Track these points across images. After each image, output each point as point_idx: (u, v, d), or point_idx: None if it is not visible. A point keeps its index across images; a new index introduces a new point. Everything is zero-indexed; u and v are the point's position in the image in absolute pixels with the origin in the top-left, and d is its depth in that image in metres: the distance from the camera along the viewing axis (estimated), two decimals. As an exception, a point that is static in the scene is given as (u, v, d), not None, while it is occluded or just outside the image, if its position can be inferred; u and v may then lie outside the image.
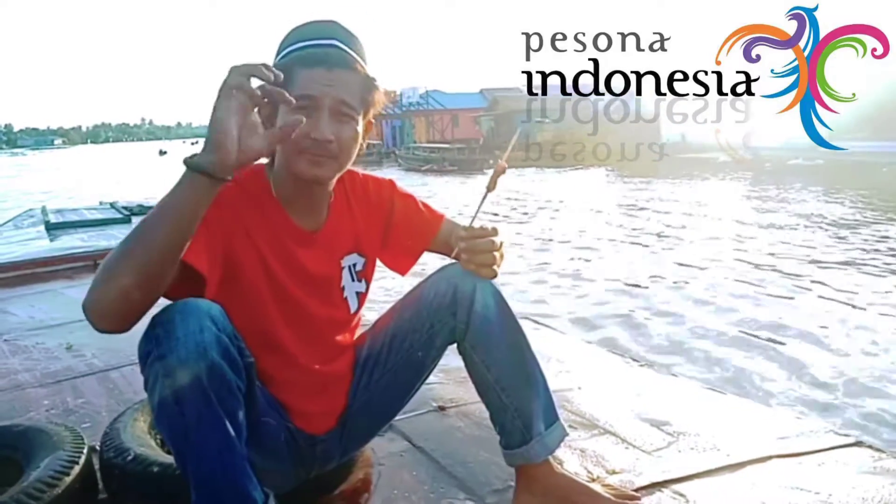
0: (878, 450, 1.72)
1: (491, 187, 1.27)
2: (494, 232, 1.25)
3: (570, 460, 1.60)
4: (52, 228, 6.09)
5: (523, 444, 1.36)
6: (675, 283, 7.87)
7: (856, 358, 5.21)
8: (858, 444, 1.74)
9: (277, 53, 1.26)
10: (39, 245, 5.26)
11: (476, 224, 1.28)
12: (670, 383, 2.25)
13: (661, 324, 6.31)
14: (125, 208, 7.21)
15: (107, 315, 1.00)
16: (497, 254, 1.29)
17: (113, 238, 5.42)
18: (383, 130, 50.44)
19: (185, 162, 0.99)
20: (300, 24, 1.28)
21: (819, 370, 4.94)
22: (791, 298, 6.96)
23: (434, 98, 49.51)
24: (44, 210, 7.64)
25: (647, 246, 10.51)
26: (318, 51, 1.22)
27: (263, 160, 1.30)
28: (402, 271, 1.47)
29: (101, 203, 8.35)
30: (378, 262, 1.45)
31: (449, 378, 2.11)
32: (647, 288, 7.70)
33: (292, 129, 1.05)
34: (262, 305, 1.26)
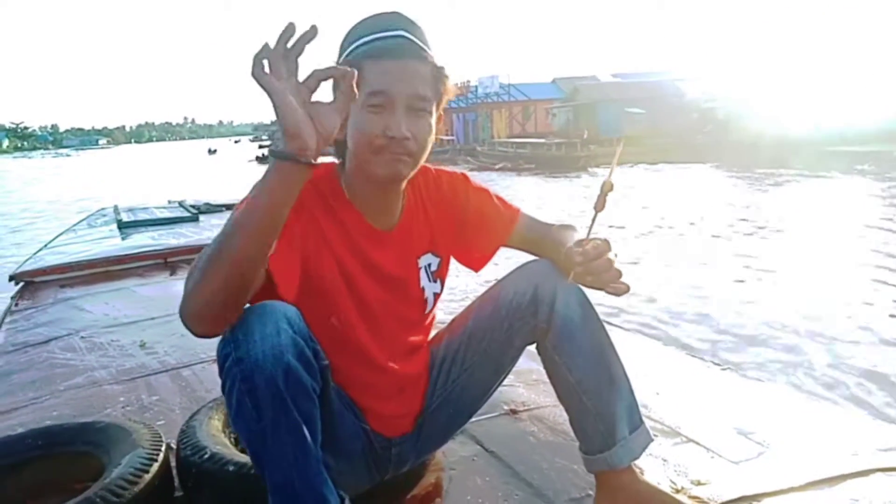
0: None
1: (600, 207, 1.21)
2: (607, 246, 1.19)
3: (653, 469, 1.56)
4: (124, 227, 6.34)
5: (606, 449, 1.33)
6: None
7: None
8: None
9: (341, 51, 1.26)
10: (112, 243, 5.48)
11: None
12: (756, 388, 2.17)
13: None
14: (193, 206, 7.45)
15: (203, 319, 1.03)
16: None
17: (182, 236, 5.61)
18: (454, 124, 45.17)
19: (272, 152, 0.99)
20: (361, 19, 1.28)
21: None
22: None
23: (517, 89, 45.41)
24: (116, 209, 7.97)
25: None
26: (386, 43, 1.21)
27: (334, 159, 1.32)
28: (477, 268, 1.46)
29: (169, 202, 8.66)
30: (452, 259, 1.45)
31: (520, 381, 2.09)
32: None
33: (351, 81, 0.99)
34: (340, 307, 1.27)
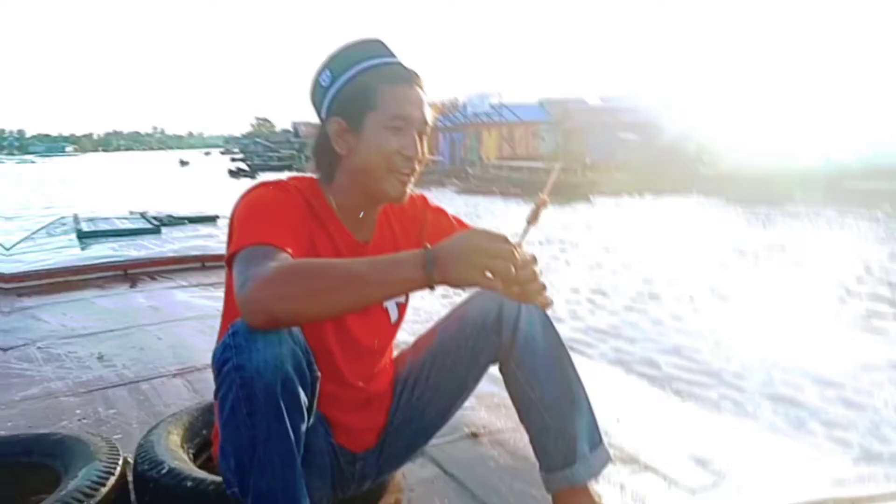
0: None
1: (532, 220, 1.27)
2: (534, 260, 1.26)
3: (610, 496, 1.59)
4: (84, 237, 6.26)
5: (566, 467, 1.37)
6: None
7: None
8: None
9: (341, 68, 1.29)
10: (71, 253, 5.42)
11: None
12: (714, 420, 2.23)
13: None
14: (155, 218, 7.39)
15: (274, 319, 1.05)
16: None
17: (143, 248, 5.56)
18: (440, 144, 42.72)
19: (425, 261, 1.05)
20: (352, 43, 1.33)
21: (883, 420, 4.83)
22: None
23: (509, 109, 42.38)
24: (76, 218, 7.86)
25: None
26: (396, 69, 1.28)
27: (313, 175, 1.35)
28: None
29: (131, 213, 8.57)
30: None
31: (482, 404, 2.12)
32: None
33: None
34: (317, 325, 1.30)
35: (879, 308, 8.07)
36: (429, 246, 1.06)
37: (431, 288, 1.06)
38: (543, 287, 1.24)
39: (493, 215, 19.49)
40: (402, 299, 1.45)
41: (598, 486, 1.53)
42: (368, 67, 1.27)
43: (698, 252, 12.28)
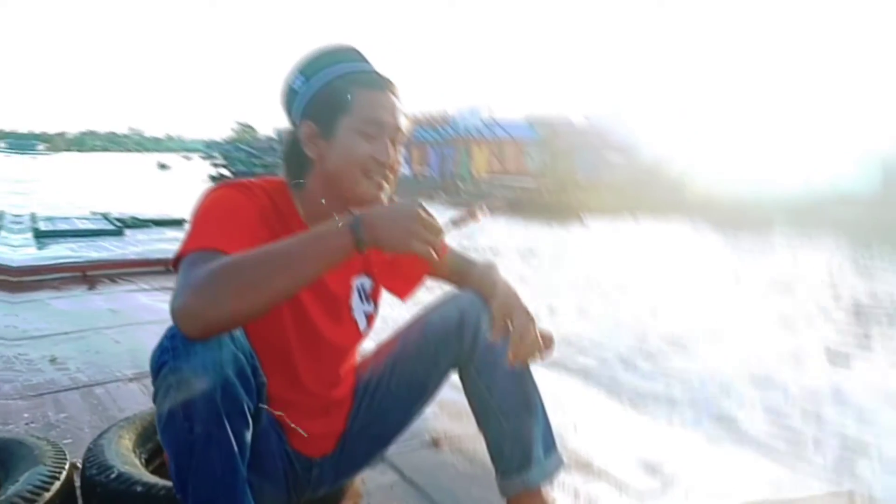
0: (868, 498, 1.76)
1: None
2: (531, 318, 1.32)
3: (564, 501, 1.61)
4: (41, 236, 6.13)
5: (522, 471, 1.39)
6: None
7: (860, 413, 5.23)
8: (851, 494, 1.77)
9: (315, 72, 1.29)
10: (26, 252, 5.29)
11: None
12: (666, 429, 2.27)
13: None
14: (118, 220, 7.26)
15: (210, 326, 1.03)
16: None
17: (104, 249, 5.46)
18: (430, 157, 41.35)
19: (352, 225, 1.07)
20: (326, 49, 1.32)
21: (820, 423, 4.96)
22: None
23: (500, 125, 40.71)
24: (33, 217, 7.69)
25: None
26: (371, 76, 1.28)
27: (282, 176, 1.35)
28: (403, 294, 1.50)
29: (92, 213, 8.40)
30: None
31: (443, 411, 2.13)
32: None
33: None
34: (280, 322, 1.29)
35: (839, 336, 8.26)
36: (355, 217, 1.08)
37: (360, 251, 1.07)
38: (541, 345, 1.30)
39: (481, 230, 19.12)
40: (370, 309, 1.45)
41: (553, 492, 1.55)
42: (342, 73, 1.27)
43: (679, 275, 12.49)
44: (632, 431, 2.17)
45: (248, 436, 1.12)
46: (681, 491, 1.72)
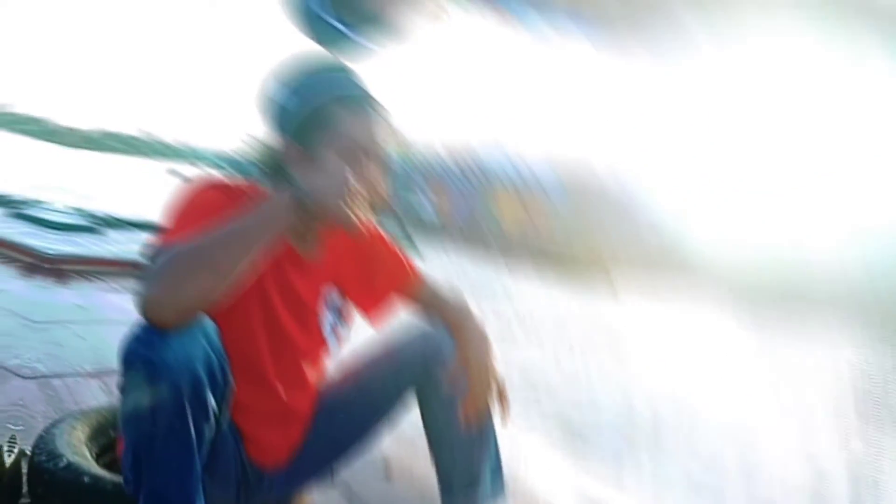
0: None
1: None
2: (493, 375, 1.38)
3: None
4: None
5: (466, 499, 1.42)
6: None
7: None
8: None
9: (308, 93, 1.32)
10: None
11: None
12: (610, 469, 2.30)
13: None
14: (93, 216, 7.18)
15: (176, 312, 1.08)
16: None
17: (76, 244, 5.42)
18: (453, 198, 40.91)
19: (298, 196, 1.17)
20: (318, 59, 1.38)
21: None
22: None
23: (527, 166, 41.82)
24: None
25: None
26: (363, 100, 1.34)
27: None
28: (369, 309, 1.55)
29: (66, 207, 8.29)
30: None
31: (399, 437, 2.15)
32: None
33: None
34: (249, 321, 1.33)
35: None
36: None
37: (300, 208, 1.17)
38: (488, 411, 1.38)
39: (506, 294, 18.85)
40: (338, 323, 1.49)
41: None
42: (332, 95, 1.32)
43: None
44: (580, 469, 2.20)
45: (209, 435, 1.16)
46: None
